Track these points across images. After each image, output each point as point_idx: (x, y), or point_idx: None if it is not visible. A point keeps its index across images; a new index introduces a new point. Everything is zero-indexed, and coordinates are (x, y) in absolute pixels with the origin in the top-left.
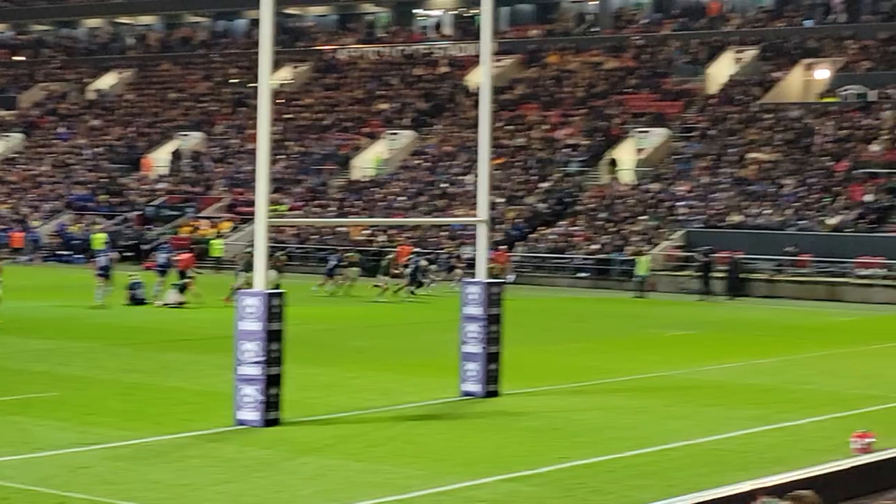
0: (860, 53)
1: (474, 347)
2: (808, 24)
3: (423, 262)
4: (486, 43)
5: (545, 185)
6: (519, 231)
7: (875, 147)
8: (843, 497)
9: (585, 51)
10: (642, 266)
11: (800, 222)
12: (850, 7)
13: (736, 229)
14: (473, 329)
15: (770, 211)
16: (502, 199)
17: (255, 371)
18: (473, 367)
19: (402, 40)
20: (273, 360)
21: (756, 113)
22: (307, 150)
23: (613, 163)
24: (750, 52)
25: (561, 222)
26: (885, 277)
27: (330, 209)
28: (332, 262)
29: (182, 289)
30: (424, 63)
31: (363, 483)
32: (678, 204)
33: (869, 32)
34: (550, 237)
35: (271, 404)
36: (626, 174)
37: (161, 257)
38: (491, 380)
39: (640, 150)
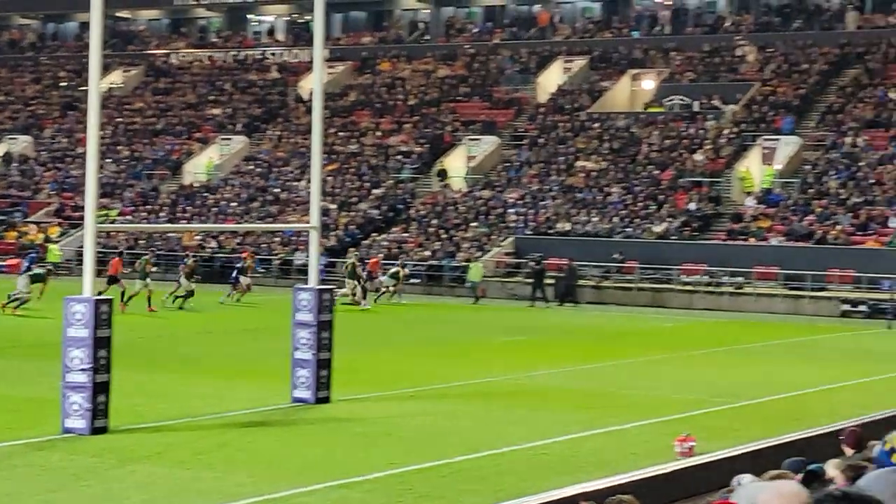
0: (684, 65)
1: (305, 354)
2: (636, 35)
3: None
4: (319, 49)
5: (378, 191)
6: (352, 237)
7: (699, 156)
8: (665, 500)
9: (418, 59)
10: (474, 272)
11: (626, 230)
12: (675, 19)
13: (564, 236)
14: (304, 335)
15: (597, 218)
16: (335, 206)
17: (83, 378)
18: (304, 374)
19: (234, 45)
20: (101, 367)
21: (584, 122)
22: (138, 155)
23: (443, 172)
24: (579, 62)
25: (393, 229)
26: (707, 284)
27: (161, 214)
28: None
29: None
30: (257, 69)
31: (192, 490)
32: (508, 211)
33: (693, 44)
34: (383, 244)
35: (99, 412)
36: (458, 181)
37: None
38: (322, 386)
39: (471, 158)
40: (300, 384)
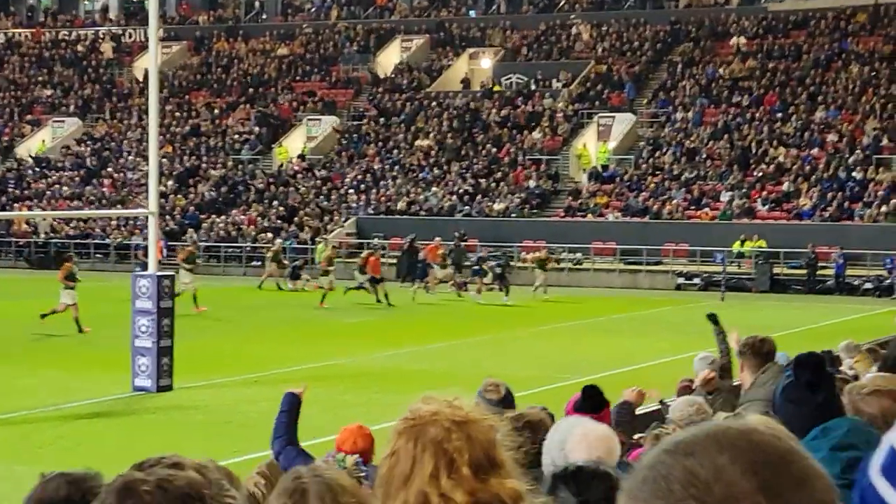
0: (521, 43)
1: (145, 342)
2: (472, 14)
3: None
4: (154, 28)
5: (216, 172)
6: (190, 220)
7: (536, 134)
8: None
9: (255, 38)
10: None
11: (466, 207)
12: None
13: (406, 215)
14: (145, 323)
15: (438, 197)
16: (171, 187)
17: None
18: (145, 362)
19: (66, 24)
20: None
21: (423, 100)
22: None
23: (283, 151)
24: (417, 41)
25: (232, 210)
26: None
27: None
28: None
29: None
30: (90, 48)
31: (29, 486)
32: (349, 191)
33: (528, 23)
34: (221, 225)
35: None
36: (298, 161)
37: None
38: (164, 374)
39: (310, 138)
40: (141, 372)
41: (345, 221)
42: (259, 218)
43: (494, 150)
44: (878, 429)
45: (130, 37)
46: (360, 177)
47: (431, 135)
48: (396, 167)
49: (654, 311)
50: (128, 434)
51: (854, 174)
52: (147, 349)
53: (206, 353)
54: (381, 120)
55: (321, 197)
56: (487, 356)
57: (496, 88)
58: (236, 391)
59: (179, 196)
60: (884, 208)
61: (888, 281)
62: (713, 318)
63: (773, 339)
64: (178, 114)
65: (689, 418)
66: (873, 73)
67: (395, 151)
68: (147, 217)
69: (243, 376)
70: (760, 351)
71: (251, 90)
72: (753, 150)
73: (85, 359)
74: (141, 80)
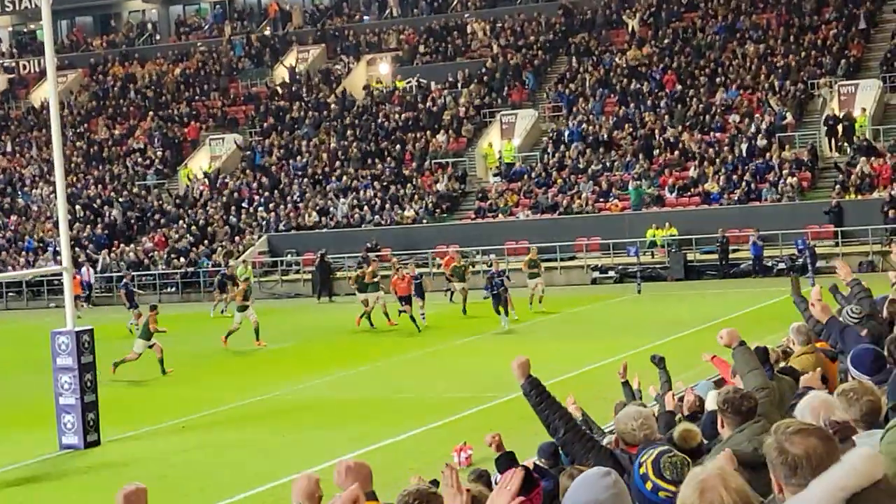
0: (417, 45)
1: (69, 399)
2: (367, 19)
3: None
4: (51, 58)
5: (121, 198)
6: (99, 246)
7: (440, 137)
8: None
9: (150, 60)
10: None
11: (376, 216)
12: (403, 1)
13: (316, 229)
14: (67, 380)
15: (346, 207)
16: (78, 214)
17: None
18: (70, 419)
19: None
20: None
21: (324, 109)
22: None
23: (188, 173)
24: (313, 50)
25: (141, 237)
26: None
27: None
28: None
29: None
30: None
31: None
32: (259, 209)
33: (423, 24)
34: (131, 253)
35: None
36: (203, 182)
37: None
38: (91, 430)
39: (214, 157)
40: (67, 430)
41: (257, 239)
42: (167, 241)
43: (400, 155)
44: (803, 469)
45: (25, 69)
46: (267, 193)
47: (335, 143)
48: (304, 180)
49: (575, 311)
50: (60, 500)
51: (758, 154)
52: (71, 406)
53: (130, 399)
54: (284, 133)
55: (230, 216)
56: (410, 379)
57: (398, 83)
58: (165, 440)
59: (86, 223)
60: (790, 185)
61: (800, 260)
62: (659, 362)
63: (755, 396)
64: (79, 143)
65: (631, 433)
66: (769, 50)
67: (301, 164)
68: (63, 274)
69: (170, 422)
70: (740, 409)
71: (150, 113)
72: (657, 137)
73: (8, 418)
74: (38, 108)
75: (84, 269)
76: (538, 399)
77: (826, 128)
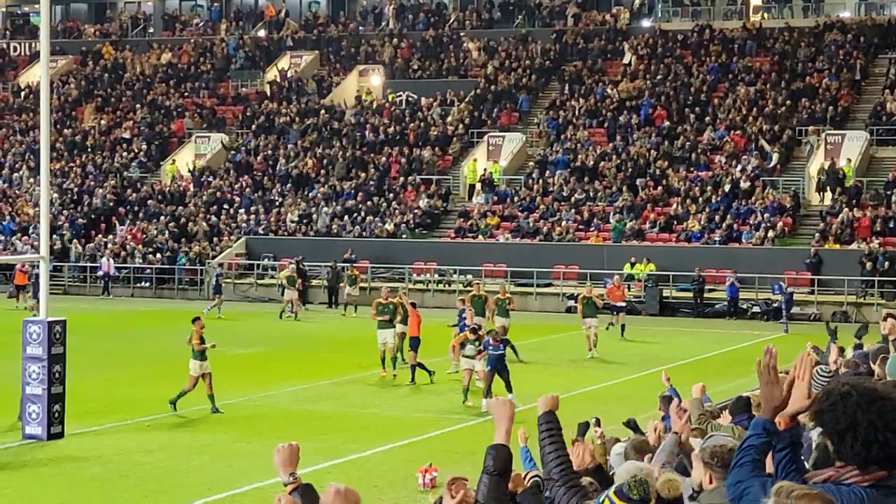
0: (410, 59)
1: (36, 389)
2: (362, 30)
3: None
4: (45, 43)
5: (103, 189)
6: (78, 236)
7: (426, 153)
8: None
9: (142, 52)
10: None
11: (356, 227)
12: (400, 16)
13: (295, 235)
14: (35, 370)
15: (328, 217)
16: (58, 201)
17: None
18: (35, 409)
19: None
20: None
21: (313, 116)
22: None
23: (172, 169)
24: (307, 57)
25: (120, 228)
26: (438, 282)
27: None
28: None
29: None
30: None
31: None
32: (239, 211)
33: (418, 41)
34: (109, 245)
35: None
36: (187, 179)
37: None
38: (55, 421)
39: (199, 155)
40: (32, 420)
41: (235, 241)
42: (145, 236)
43: (385, 168)
44: None
45: (15, 51)
46: (249, 195)
47: (322, 151)
48: (287, 185)
49: (548, 339)
50: (21, 489)
51: (742, 196)
52: (38, 396)
53: (97, 394)
54: (271, 137)
55: (211, 216)
56: (376, 395)
57: (389, 96)
58: (129, 438)
59: (66, 211)
60: (770, 232)
61: (775, 304)
62: (632, 426)
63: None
64: (66, 130)
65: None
66: (758, 94)
67: (285, 169)
68: (39, 263)
69: (133, 420)
70: (727, 463)
71: (138, 106)
72: (642, 172)
73: None
74: (25, 90)
75: (104, 260)
76: (548, 433)
77: (816, 178)
